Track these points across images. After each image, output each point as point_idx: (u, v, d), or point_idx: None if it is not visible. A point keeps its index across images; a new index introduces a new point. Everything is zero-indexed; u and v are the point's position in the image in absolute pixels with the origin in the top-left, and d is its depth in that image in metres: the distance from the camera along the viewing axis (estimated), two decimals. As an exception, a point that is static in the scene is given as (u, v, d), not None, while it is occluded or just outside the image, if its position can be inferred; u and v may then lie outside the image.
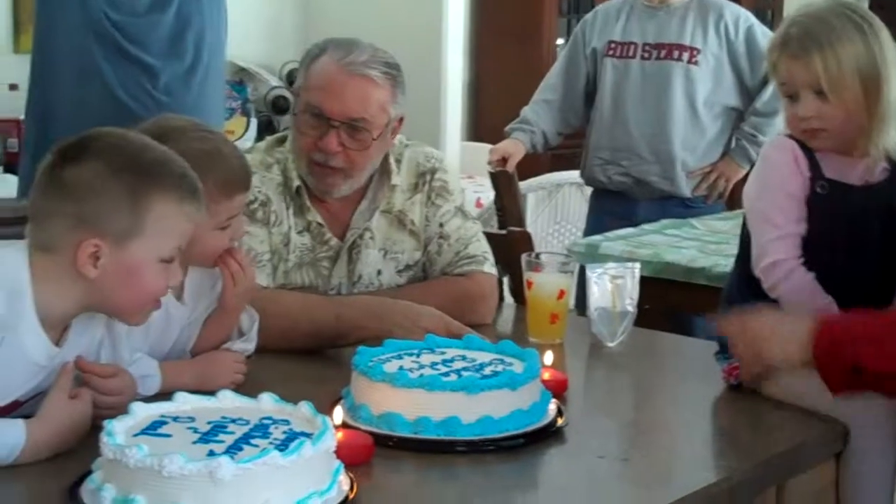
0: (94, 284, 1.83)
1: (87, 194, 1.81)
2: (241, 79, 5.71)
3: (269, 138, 2.75)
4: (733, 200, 4.23)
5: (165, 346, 2.17)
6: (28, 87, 3.25)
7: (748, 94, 4.23)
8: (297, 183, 2.56)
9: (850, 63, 2.16)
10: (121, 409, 1.79)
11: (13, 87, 4.64)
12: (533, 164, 5.19)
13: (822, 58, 2.16)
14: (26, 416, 1.81)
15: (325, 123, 2.50)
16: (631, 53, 4.25)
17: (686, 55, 4.18)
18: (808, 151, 2.23)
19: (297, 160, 2.56)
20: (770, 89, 4.04)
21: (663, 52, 4.20)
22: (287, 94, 5.75)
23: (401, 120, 2.59)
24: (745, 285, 2.28)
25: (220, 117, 3.37)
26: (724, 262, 3.30)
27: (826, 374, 1.97)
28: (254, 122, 5.56)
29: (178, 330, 2.18)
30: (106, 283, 1.83)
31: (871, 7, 2.41)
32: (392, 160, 2.63)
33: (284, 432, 1.71)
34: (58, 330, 1.88)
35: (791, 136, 2.26)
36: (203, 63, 3.22)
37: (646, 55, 4.23)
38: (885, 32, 2.21)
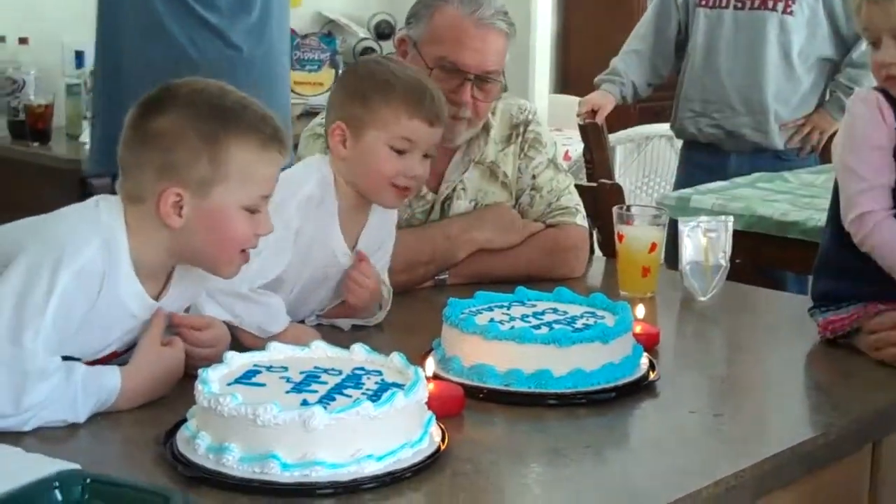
0: (181, 234, 1.83)
1: (168, 143, 1.81)
2: (329, 30, 5.69)
3: None
4: (827, 154, 4.16)
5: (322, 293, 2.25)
6: (94, 49, 3.23)
7: (844, 44, 4.14)
8: None
9: None
10: (215, 361, 1.81)
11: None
12: (622, 117, 5.14)
13: None
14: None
15: (459, 76, 2.49)
16: (724, 3, 4.17)
17: (780, 5, 4.09)
18: (895, 101, 2.18)
19: None
20: (866, 40, 3.96)
21: (757, 2, 4.12)
22: (375, 45, 5.73)
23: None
24: (840, 241, 2.23)
25: (287, 66, 3.34)
26: (817, 216, 3.25)
27: None
28: (342, 74, 5.56)
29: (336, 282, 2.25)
30: (191, 232, 1.83)
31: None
32: (488, 113, 2.61)
33: (377, 383, 1.72)
34: (155, 284, 1.89)
35: (877, 88, 2.22)
36: (273, 15, 3.18)
37: (739, 4, 4.16)
38: None
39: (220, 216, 1.84)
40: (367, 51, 5.69)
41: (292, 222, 2.10)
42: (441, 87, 2.47)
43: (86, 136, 4.31)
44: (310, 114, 4.63)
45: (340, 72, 2.28)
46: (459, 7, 2.49)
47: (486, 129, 2.61)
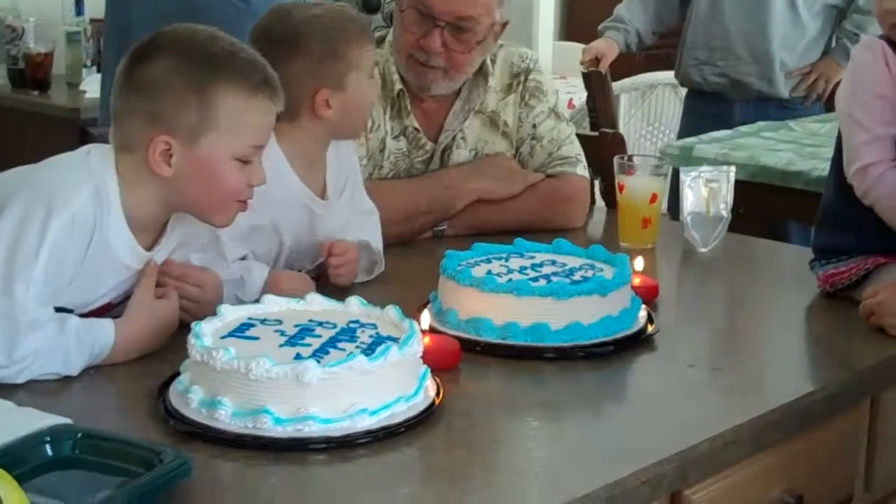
0: (172, 183, 1.82)
1: (157, 91, 1.79)
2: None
3: None
4: (833, 102, 4.12)
5: (310, 244, 2.20)
6: (105, 2, 3.21)
7: (850, -10, 4.10)
8: (398, 86, 2.51)
9: None
10: (205, 306, 1.80)
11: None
12: (626, 65, 5.10)
13: None
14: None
15: (430, 21, 2.44)
16: (729, -52, 4.12)
17: (786, -50, 4.05)
18: None
19: (397, 55, 2.50)
20: (874, -14, 3.91)
21: (763, -53, 4.08)
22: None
23: (504, 25, 2.53)
24: (842, 193, 2.21)
25: None
26: (822, 165, 3.22)
27: None
28: (344, 20, 5.51)
29: (324, 229, 2.20)
30: (182, 181, 1.81)
31: None
32: (488, 61, 2.57)
33: (371, 336, 1.70)
34: (149, 235, 1.88)
35: (882, 36, 2.19)
36: None
37: (744, -50, 4.11)
38: None
39: (210, 165, 1.82)
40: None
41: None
42: (413, 30, 2.44)
43: (85, 85, 4.28)
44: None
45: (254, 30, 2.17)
46: None
47: (486, 77, 2.58)
